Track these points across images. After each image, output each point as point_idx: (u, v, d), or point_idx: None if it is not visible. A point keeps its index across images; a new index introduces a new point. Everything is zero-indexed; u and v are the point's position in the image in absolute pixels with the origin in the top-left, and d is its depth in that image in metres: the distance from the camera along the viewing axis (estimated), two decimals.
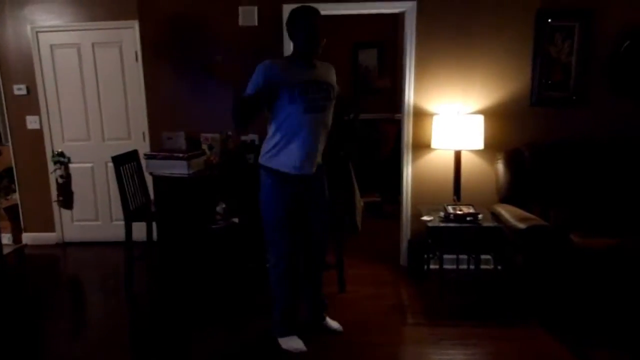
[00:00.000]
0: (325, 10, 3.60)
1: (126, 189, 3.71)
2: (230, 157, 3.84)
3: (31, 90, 4.60)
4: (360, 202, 3.56)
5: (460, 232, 3.30)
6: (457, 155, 3.63)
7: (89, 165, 4.72)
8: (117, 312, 3.53)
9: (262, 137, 2.84)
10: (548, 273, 3.02)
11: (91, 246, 4.74)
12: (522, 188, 3.56)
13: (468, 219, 3.32)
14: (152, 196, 4.02)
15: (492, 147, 3.69)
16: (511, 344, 2.85)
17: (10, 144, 4.73)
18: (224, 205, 3.64)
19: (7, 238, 4.84)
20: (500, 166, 3.64)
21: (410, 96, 3.78)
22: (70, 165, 4.70)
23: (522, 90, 3.72)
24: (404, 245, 4.02)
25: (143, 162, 3.87)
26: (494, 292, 3.47)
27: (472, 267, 3.70)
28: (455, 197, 3.63)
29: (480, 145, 3.57)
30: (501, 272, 3.46)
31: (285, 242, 2.69)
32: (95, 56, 4.53)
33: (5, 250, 4.66)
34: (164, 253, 3.88)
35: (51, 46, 4.53)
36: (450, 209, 3.40)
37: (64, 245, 4.83)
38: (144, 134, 4.41)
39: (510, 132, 3.74)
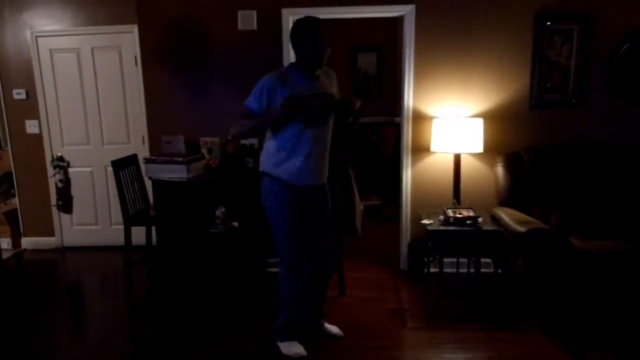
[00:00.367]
0: (325, 14, 3.62)
1: (125, 193, 3.71)
2: (230, 161, 3.83)
3: (30, 94, 4.60)
4: (360, 206, 3.56)
5: (460, 236, 3.30)
6: (457, 159, 3.63)
7: (89, 169, 4.72)
8: (117, 317, 3.53)
9: (261, 140, 2.84)
10: (548, 276, 3.02)
11: (91, 251, 4.73)
12: (522, 191, 3.55)
13: (468, 222, 3.31)
14: (151, 200, 4.02)
15: (491, 150, 3.69)
16: (511, 348, 2.84)
17: (9, 148, 4.73)
18: (223, 209, 3.64)
19: (6, 243, 4.84)
20: (499, 169, 3.64)
21: (409, 100, 3.78)
22: (70, 170, 4.70)
23: (522, 94, 3.72)
24: (403, 248, 4.02)
25: (142, 166, 3.87)
26: (494, 296, 3.46)
27: (472, 270, 3.69)
28: (455, 201, 3.62)
29: (479, 148, 3.57)
30: (501, 276, 3.45)
31: (297, 248, 2.68)
32: (95, 61, 4.53)
33: (5, 255, 4.65)
34: (164, 257, 3.88)
35: (51, 51, 4.53)
36: (450, 213, 3.40)
37: (63, 250, 4.82)
38: (143, 138, 4.41)
39: (509, 135, 3.74)
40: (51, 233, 4.84)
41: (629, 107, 3.69)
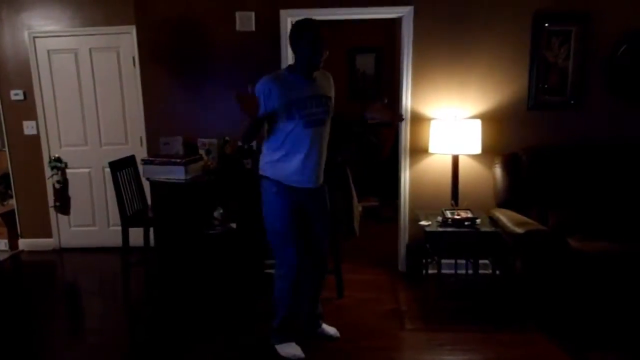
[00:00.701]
0: (323, 15, 3.63)
1: (123, 194, 3.70)
2: (228, 162, 3.83)
3: (28, 95, 4.59)
4: (358, 207, 3.56)
5: (458, 237, 3.30)
6: (455, 160, 3.63)
7: (86, 170, 4.71)
8: (115, 318, 3.52)
9: (260, 142, 2.84)
10: (546, 277, 3.02)
11: (88, 252, 4.72)
12: (520, 192, 3.55)
13: (466, 223, 3.31)
14: (149, 201, 4.02)
15: (489, 151, 3.69)
16: (510, 349, 2.84)
17: (7, 149, 4.71)
18: (221, 211, 3.63)
19: (3, 244, 4.83)
20: (497, 170, 3.64)
21: (407, 101, 3.78)
22: (68, 171, 4.68)
23: (519, 95, 3.72)
24: (402, 249, 4.02)
25: (140, 167, 3.86)
26: (492, 297, 3.46)
27: (470, 272, 3.69)
28: (453, 202, 3.62)
29: (477, 149, 3.57)
30: (499, 277, 3.45)
31: (294, 251, 2.67)
32: (93, 61, 4.52)
33: (2, 257, 4.65)
34: (162, 259, 3.87)
35: (48, 51, 4.52)
36: (448, 214, 3.40)
37: (60, 251, 4.80)
38: (141, 139, 4.41)
39: (507, 136, 3.74)
40: (49, 234, 4.82)
41: (627, 108, 3.69)
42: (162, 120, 4.03)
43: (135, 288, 3.82)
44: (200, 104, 3.99)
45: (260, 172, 2.70)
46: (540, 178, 3.53)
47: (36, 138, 4.65)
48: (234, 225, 3.62)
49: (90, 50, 4.50)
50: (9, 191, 4.85)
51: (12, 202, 4.83)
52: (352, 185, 3.46)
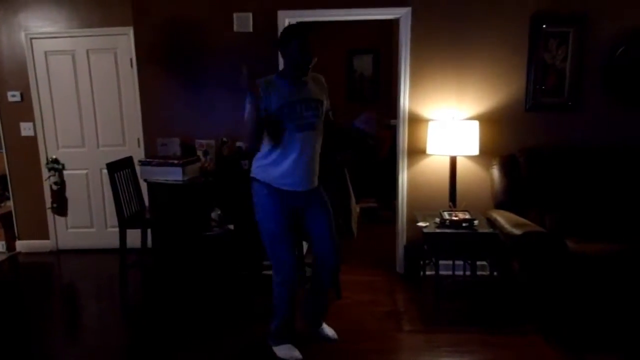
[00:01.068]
0: (321, 16, 3.63)
1: (121, 195, 3.70)
2: (225, 164, 3.83)
3: (25, 96, 4.58)
4: (356, 208, 3.55)
5: (456, 238, 3.30)
6: (453, 161, 3.63)
7: (84, 172, 4.70)
8: (112, 320, 3.51)
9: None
10: (544, 279, 3.01)
11: (86, 253, 4.71)
12: (518, 194, 3.55)
13: (464, 225, 3.31)
14: (146, 203, 4.01)
15: (487, 152, 3.70)
16: (508, 351, 2.84)
17: (4, 151, 4.70)
18: (219, 212, 3.63)
19: (0, 246, 4.82)
20: (495, 172, 3.64)
21: (405, 102, 3.78)
22: (65, 172, 4.68)
23: (517, 96, 3.73)
24: (399, 251, 4.01)
25: (138, 168, 3.86)
26: (490, 299, 3.46)
27: (468, 273, 3.69)
28: (450, 203, 3.62)
29: (475, 151, 3.57)
30: (497, 278, 3.45)
31: (290, 254, 2.66)
32: (90, 63, 4.52)
33: None
34: (159, 260, 3.86)
35: (45, 53, 4.52)
36: (445, 215, 3.40)
37: (58, 253, 4.79)
38: (138, 140, 4.40)
39: (505, 137, 3.74)
40: (46, 236, 4.81)
41: (625, 110, 3.70)
42: (160, 122, 4.03)
43: (132, 289, 3.81)
44: (197, 105, 3.99)
45: (252, 175, 2.70)
46: (537, 179, 3.53)
47: (33, 139, 4.64)
48: (231, 227, 3.62)
49: (87, 51, 4.50)
50: (6, 193, 4.84)
51: (10, 203, 4.82)
52: (350, 186, 3.45)
